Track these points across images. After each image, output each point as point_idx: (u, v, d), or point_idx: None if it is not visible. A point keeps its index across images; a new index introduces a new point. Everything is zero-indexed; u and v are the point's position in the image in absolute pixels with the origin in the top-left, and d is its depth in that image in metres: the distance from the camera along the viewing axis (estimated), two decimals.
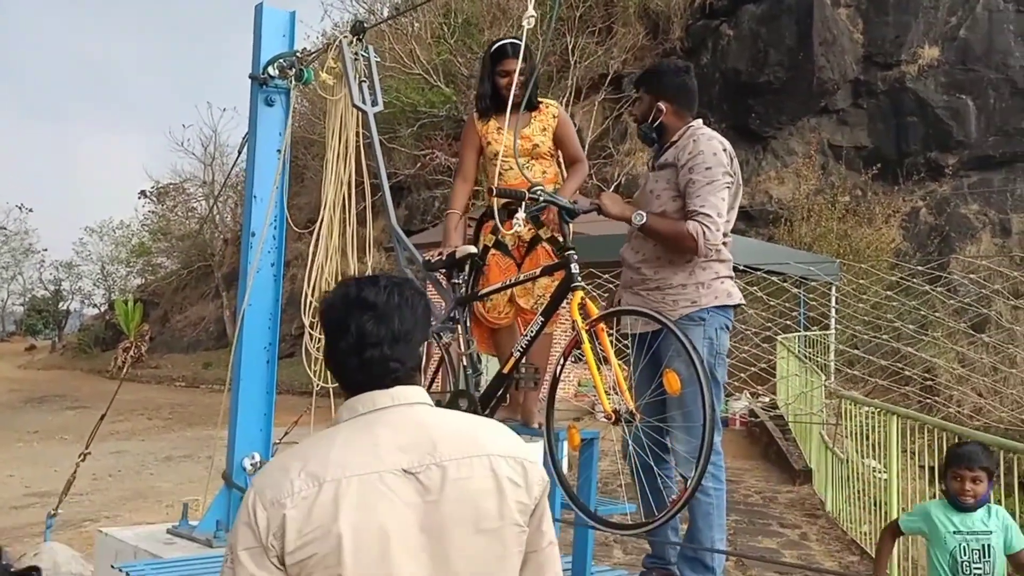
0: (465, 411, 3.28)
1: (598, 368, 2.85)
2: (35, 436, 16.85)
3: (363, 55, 4.10)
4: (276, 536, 1.37)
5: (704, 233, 3.01)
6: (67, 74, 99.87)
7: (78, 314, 47.54)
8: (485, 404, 3.32)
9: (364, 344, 1.51)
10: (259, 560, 1.38)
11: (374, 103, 4.09)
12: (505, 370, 3.26)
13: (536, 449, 2.82)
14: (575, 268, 3.02)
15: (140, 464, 13.19)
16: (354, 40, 4.06)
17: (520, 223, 3.11)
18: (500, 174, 3.56)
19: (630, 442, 2.93)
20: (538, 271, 3.28)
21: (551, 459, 3.11)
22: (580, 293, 2.99)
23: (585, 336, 2.90)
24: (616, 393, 2.83)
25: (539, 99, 3.63)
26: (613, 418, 2.81)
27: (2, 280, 46.09)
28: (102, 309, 41.65)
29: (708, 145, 3.10)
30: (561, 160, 3.71)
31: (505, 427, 1.65)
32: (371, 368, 1.52)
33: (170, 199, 35.83)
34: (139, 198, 36.70)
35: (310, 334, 4.29)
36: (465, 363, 3.44)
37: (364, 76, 4.09)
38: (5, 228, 43.20)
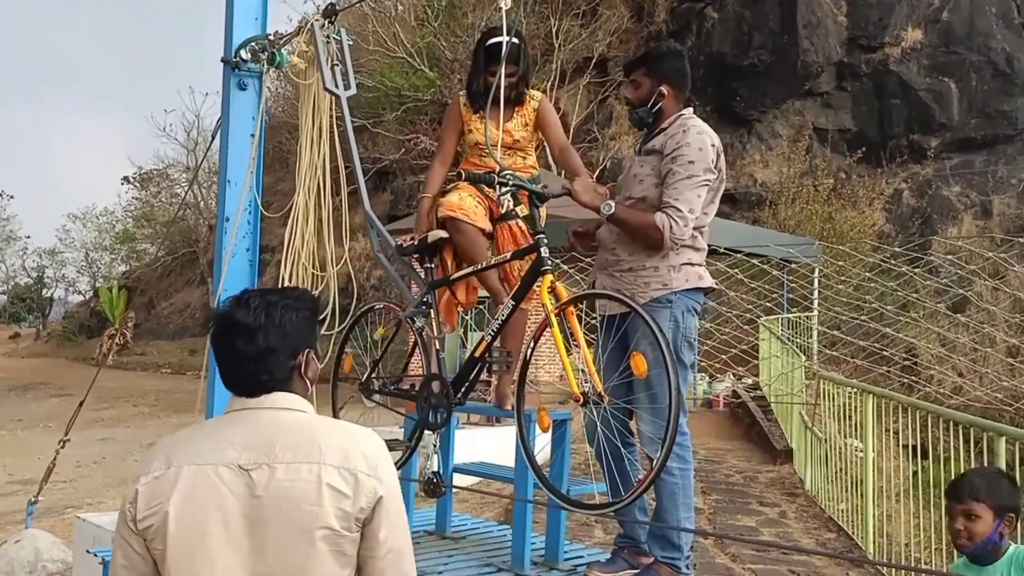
0: (436, 394, 3.31)
1: (567, 351, 2.87)
2: (19, 424, 16.81)
3: (335, 38, 4.08)
4: (131, 505, 1.65)
5: (671, 227, 3.01)
6: (36, 58, 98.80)
7: (62, 301, 47.26)
8: (457, 387, 3.35)
9: (234, 361, 1.73)
10: (123, 521, 1.67)
11: (347, 87, 4.07)
12: (477, 353, 3.29)
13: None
14: (545, 252, 3.05)
15: (125, 451, 13.19)
16: (326, 23, 4.03)
17: (508, 200, 3.25)
18: (477, 160, 3.67)
19: (597, 423, 2.96)
20: (509, 255, 3.33)
21: (522, 440, 3.15)
22: (550, 277, 3.02)
23: (554, 319, 2.92)
24: (583, 374, 2.87)
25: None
26: (581, 400, 2.84)
27: None
28: (87, 296, 41.46)
29: (696, 139, 3.08)
30: (548, 148, 3.74)
31: (367, 438, 1.73)
32: (241, 381, 1.73)
33: (154, 185, 35.62)
34: (122, 184, 36.48)
35: None
36: (438, 347, 3.47)
37: (337, 60, 4.07)
38: None
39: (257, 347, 1.70)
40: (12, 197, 52.50)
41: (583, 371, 2.90)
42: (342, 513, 1.62)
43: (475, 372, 3.37)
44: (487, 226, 3.56)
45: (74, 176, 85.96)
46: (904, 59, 18.17)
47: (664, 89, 3.18)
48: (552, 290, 2.99)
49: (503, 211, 3.52)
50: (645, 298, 3.08)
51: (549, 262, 3.04)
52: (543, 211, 3.26)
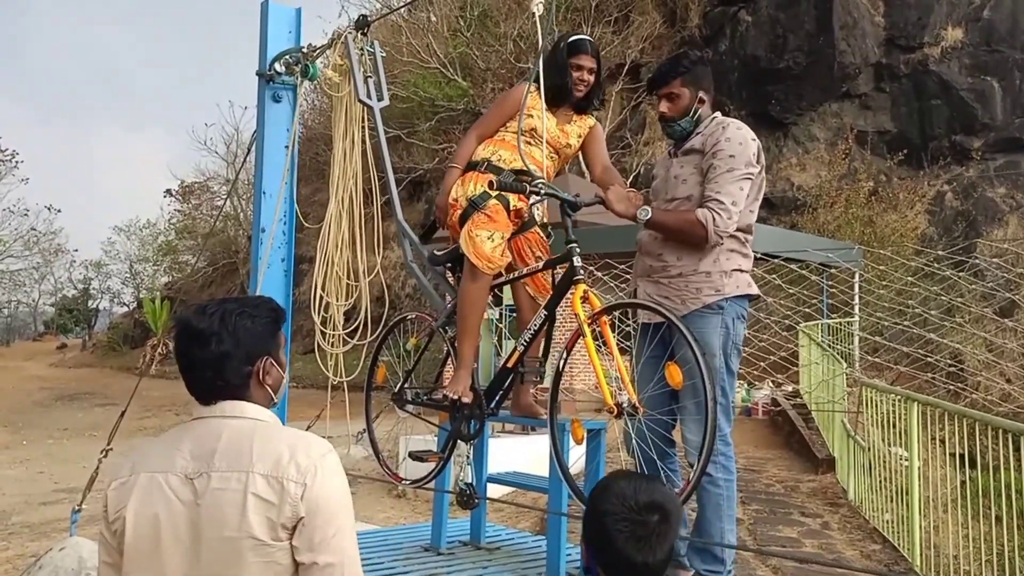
0: (469, 405, 3.29)
1: (600, 361, 2.83)
2: (65, 433, 17.14)
3: (368, 50, 4.10)
4: (104, 507, 1.75)
5: (714, 219, 2.96)
6: (82, 73, 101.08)
7: (107, 313, 48.20)
8: (490, 397, 3.32)
9: (190, 367, 1.76)
10: (103, 522, 1.76)
11: (380, 98, 4.09)
12: (509, 364, 3.25)
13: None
14: (578, 261, 3.01)
15: None
16: (359, 35, 4.05)
17: (539, 211, 3.27)
18: (516, 146, 3.40)
19: (632, 435, 2.91)
20: (541, 264, 3.28)
21: (555, 451, 3.11)
22: (583, 286, 2.98)
23: (587, 329, 2.88)
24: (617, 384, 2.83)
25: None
26: (615, 411, 2.79)
27: (33, 280, 46.75)
28: (130, 307, 42.19)
29: (736, 134, 3.06)
30: (590, 167, 3.62)
31: (307, 446, 1.69)
32: (197, 387, 1.77)
33: (195, 197, 36.22)
34: (164, 197, 37.17)
35: (321, 330, 4.30)
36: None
37: (370, 72, 4.09)
38: (35, 229, 43.79)
39: (211, 353, 1.73)
40: (60, 211, 53.81)
41: (617, 381, 2.86)
42: (268, 522, 1.62)
43: (508, 382, 3.33)
44: (506, 261, 3.36)
45: (119, 189, 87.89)
46: (944, 58, 17.83)
47: (703, 95, 3.17)
48: (585, 299, 2.95)
49: (527, 220, 3.42)
50: (697, 304, 3.04)
51: (582, 271, 3.01)
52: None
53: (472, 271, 3.26)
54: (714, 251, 3.05)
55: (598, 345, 2.87)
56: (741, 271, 3.12)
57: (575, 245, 3.05)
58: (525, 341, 3.19)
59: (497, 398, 3.34)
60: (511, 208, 3.34)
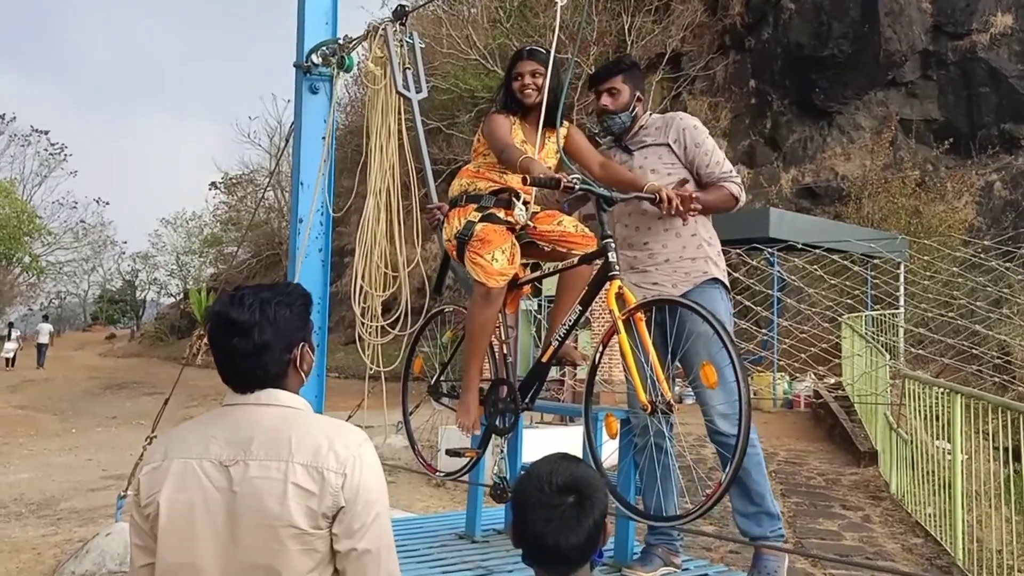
0: (504, 399, 3.29)
1: (634, 358, 2.79)
2: (113, 421, 17.54)
3: (407, 41, 4.12)
4: (135, 491, 1.77)
5: (740, 190, 3.33)
6: (127, 65, 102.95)
7: (154, 304, 49.22)
8: (525, 391, 3.29)
9: (230, 358, 1.76)
10: (135, 507, 1.77)
11: (418, 90, 4.11)
12: (544, 359, 3.22)
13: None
14: (613, 256, 2.97)
15: None
16: (397, 26, 4.07)
17: (522, 211, 3.14)
18: (496, 176, 3.31)
19: (666, 435, 2.90)
20: (576, 259, 3.20)
21: (589, 445, 3.10)
22: (617, 282, 2.93)
23: (621, 326, 2.84)
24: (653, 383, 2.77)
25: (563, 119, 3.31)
26: (649, 409, 2.77)
27: (82, 272, 47.91)
28: (177, 298, 43.02)
29: (693, 119, 3.40)
30: (587, 170, 3.38)
31: (345, 435, 1.72)
32: (237, 377, 1.78)
33: (239, 190, 36.76)
34: (209, 189, 37.79)
35: (361, 321, 4.35)
36: (506, 351, 3.42)
37: (408, 63, 4.11)
38: (84, 221, 44.84)
39: (253, 344, 1.73)
40: (108, 204, 55.01)
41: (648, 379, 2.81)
42: (309, 511, 1.64)
43: (543, 377, 3.31)
44: (517, 265, 3.29)
45: (165, 182, 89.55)
46: (993, 45, 17.39)
47: (639, 95, 3.45)
48: (620, 296, 2.91)
49: (520, 224, 3.24)
50: (688, 285, 3.21)
51: (617, 267, 2.97)
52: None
53: (482, 293, 3.18)
54: (695, 238, 3.28)
55: (634, 342, 2.80)
56: (720, 256, 3.37)
57: (611, 240, 3.01)
58: (560, 336, 3.16)
59: (531, 392, 3.31)
60: (499, 221, 3.22)
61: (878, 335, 12.35)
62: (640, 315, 2.86)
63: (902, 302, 13.48)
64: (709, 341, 2.81)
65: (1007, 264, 12.43)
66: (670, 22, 19.95)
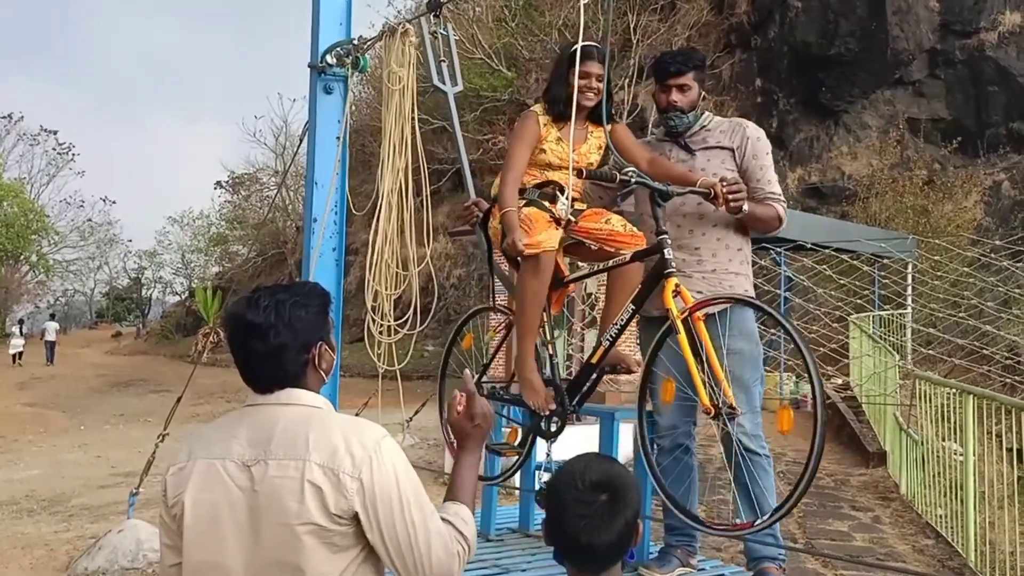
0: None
1: (695, 360, 2.68)
2: (121, 419, 17.59)
3: (442, 33, 4.11)
4: (162, 492, 1.81)
5: (786, 215, 3.29)
6: (134, 65, 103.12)
7: (160, 302, 49.29)
8: (572, 394, 3.14)
9: (248, 359, 1.79)
10: (162, 506, 1.83)
11: (454, 84, 4.11)
12: (594, 360, 3.08)
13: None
14: (669, 253, 2.84)
15: None
16: (432, 18, 4.06)
17: (565, 205, 3.04)
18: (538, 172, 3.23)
19: (734, 438, 2.82)
20: (628, 256, 3.05)
21: (642, 447, 3.04)
22: (674, 280, 2.81)
23: (680, 325, 2.73)
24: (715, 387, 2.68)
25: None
26: (712, 412, 2.68)
27: (89, 270, 47.99)
28: (183, 297, 43.09)
29: (760, 131, 3.33)
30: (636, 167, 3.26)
31: (362, 435, 1.72)
32: (256, 378, 1.80)
33: (244, 189, 36.81)
34: (215, 188, 37.84)
35: (372, 318, 4.35)
36: (551, 351, 3.24)
37: (443, 56, 4.11)
38: (91, 220, 44.93)
39: (270, 345, 1.76)
40: (114, 202, 55.13)
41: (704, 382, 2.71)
42: (326, 510, 1.66)
43: (592, 379, 3.15)
44: (555, 242, 3.15)
45: (172, 180, 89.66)
46: (1002, 44, 17.32)
47: (704, 94, 3.37)
48: (677, 294, 2.79)
49: (564, 220, 3.15)
50: None
51: (673, 264, 2.85)
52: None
53: (531, 264, 3.04)
54: (740, 253, 3.25)
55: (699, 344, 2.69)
56: (751, 279, 3.35)
57: (666, 236, 2.86)
58: (611, 337, 3.03)
59: (579, 395, 3.15)
60: (544, 209, 3.14)
61: (886, 335, 12.32)
62: (699, 314, 2.75)
63: (909, 302, 13.44)
64: (746, 363, 2.76)
65: (1016, 264, 12.39)
66: (676, 20, 19.92)
